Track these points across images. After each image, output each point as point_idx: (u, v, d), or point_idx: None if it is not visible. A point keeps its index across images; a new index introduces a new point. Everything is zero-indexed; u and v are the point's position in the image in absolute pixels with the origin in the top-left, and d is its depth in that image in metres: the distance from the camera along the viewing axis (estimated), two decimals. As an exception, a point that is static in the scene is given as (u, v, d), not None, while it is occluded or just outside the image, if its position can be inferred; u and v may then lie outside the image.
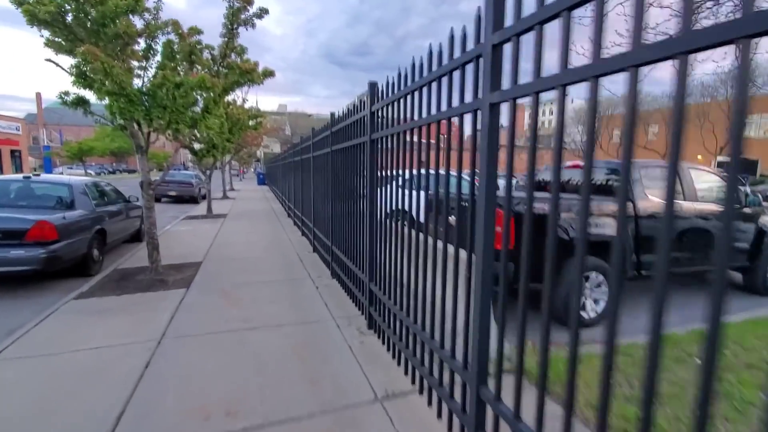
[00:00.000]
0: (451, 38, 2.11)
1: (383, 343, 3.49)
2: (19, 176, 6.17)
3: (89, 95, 5.05)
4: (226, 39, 5.74)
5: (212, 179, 13.52)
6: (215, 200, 17.94)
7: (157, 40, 5.31)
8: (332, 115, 5.39)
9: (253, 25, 5.76)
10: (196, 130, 6.70)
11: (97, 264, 6.34)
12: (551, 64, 1.44)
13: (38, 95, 50.41)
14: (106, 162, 63.19)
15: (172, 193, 17.91)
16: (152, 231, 5.55)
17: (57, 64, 4.80)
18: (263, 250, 7.60)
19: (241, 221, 11.65)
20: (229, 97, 11.42)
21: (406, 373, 2.95)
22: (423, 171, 2.60)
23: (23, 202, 5.85)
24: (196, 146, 11.03)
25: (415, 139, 2.67)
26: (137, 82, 5.11)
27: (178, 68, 5.44)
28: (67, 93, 5.05)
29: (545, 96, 1.56)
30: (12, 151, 34.02)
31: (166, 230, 9.99)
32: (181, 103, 5.17)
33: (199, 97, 5.63)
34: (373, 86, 3.56)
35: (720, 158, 30.15)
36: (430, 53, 2.36)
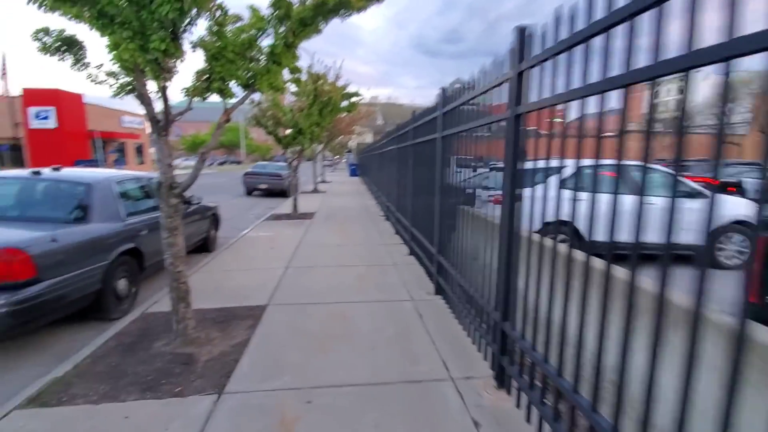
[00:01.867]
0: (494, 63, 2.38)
1: None
2: (25, 172, 4.27)
3: (79, 31, 2.83)
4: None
5: (302, 171, 11.41)
6: (305, 194, 16.13)
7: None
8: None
9: None
10: (259, 95, 4.25)
11: (125, 301, 4.23)
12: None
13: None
14: (218, 154, 67.60)
15: (263, 186, 16.50)
16: (177, 270, 3.16)
17: None
18: (356, 284, 4.97)
19: (329, 225, 9.30)
20: (319, 69, 9.08)
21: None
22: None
23: (16, 211, 3.87)
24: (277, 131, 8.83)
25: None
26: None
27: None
28: (46, 31, 2.82)
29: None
30: (136, 145, 36.69)
31: (243, 236, 7.95)
32: (230, 43, 2.79)
33: (259, 39, 3.15)
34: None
35: None
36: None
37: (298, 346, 3.22)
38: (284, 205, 12.78)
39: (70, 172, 4.45)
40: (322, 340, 3.32)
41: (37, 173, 4.21)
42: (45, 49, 2.88)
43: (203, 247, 6.79)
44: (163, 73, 2.74)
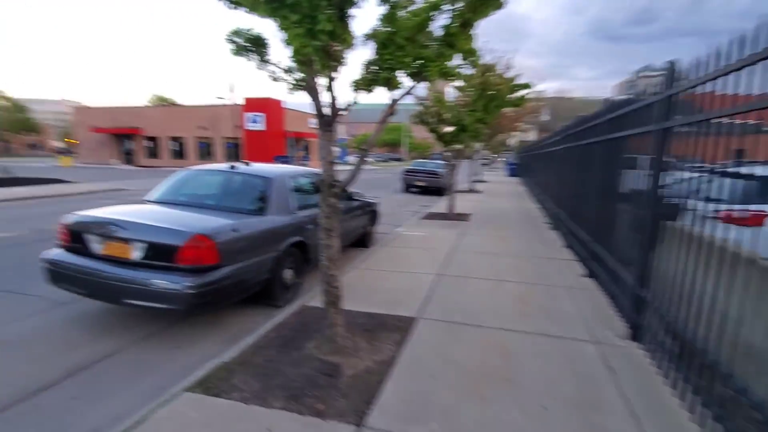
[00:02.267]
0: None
1: None
2: (223, 166, 4.81)
3: (267, 31, 2.86)
4: None
5: (458, 170, 10.90)
6: (461, 194, 15.56)
7: None
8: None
9: None
10: (424, 90, 3.86)
11: (290, 290, 4.40)
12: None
13: (346, 102, 62.21)
14: (381, 151, 72.69)
15: (420, 183, 16.58)
16: (331, 273, 2.98)
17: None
18: (519, 307, 4.19)
19: (485, 229, 8.54)
20: (488, 59, 8.34)
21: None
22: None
23: (211, 201, 4.35)
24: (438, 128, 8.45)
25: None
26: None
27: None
28: (237, 32, 2.94)
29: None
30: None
31: (396, 233, 7.87)
32: (401, 27, 2.42)
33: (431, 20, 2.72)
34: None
35: None
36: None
37: (448, 381, 2.70)
38: (440, 204, 12.48)
39: (255, 167, 4.87)
40: (477, 379, 2.72)
41: (233, 167, 4.70)
42: (237, 50, 2.98)
43: (361, 242, 6.89)
44: (331, 62, 2.52)
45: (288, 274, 4.36)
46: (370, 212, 7.08)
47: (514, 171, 29.24)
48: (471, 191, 16.95)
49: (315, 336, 3.26)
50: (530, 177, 17.43)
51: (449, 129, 8.87)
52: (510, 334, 3.43)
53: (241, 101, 33.58)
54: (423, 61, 2.77)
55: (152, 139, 36.10)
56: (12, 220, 8.45)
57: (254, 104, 33.17)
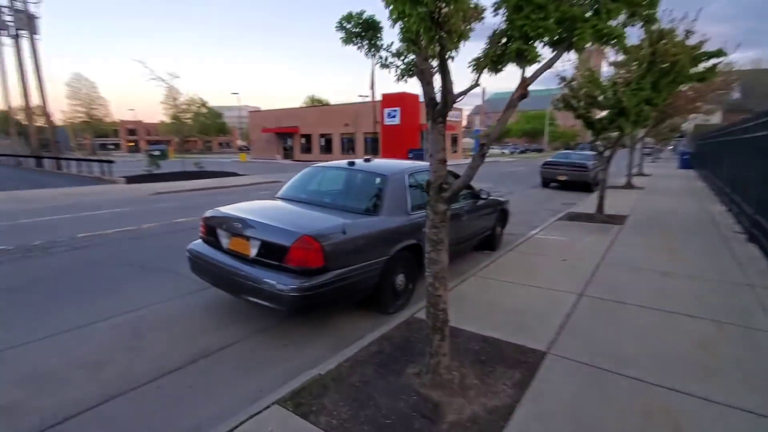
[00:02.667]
0: None
1: None
2: (342, 162, 4.68)
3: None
4: None
5: (612, 162, 9.08)
6: (614, 190, 13.16)
7: None
8: None
9: None
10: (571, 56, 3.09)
11: (401, 297, 4.06)
12: None
13: (482, 90, 60.18)
14: (519, 142, 67.81)
15: (562, 178, 14.58)
16: (436, 294, 2.48)
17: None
18: (702, 357, 3.03)
19: (647, 237, 6.84)
20: (663, 23, 6.55)
21: None
22: None
23: (327, 199, 4.23)
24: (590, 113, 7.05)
25: None
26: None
27: None
28: (349, 17, 2.64)
29: None
30: (452, 136, 41.15)
31: (531, 236, 6.86)
32: None
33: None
34: None
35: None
36: None
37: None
38: (586, 202, 10.68)
39: (374, 163, 4.63)
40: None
41: (352, 164, 4.54)
42: (347, 37, 2.68)
43: (486, 244, 6.17)
44: (440, 32, 1.99)
45: (400, 279, 4.01)
46: (499, 212, 6.28)
47: (688, 162, 23.82)
48: (629, 187, 14.23)
49: (417, 359, 2.81)
50: (712, 170, 13.74)
51: (602, 113, 7.34)
52: (685, 399, 2.42)
53: (380, 98, 34.94)
54: (570, 23, 2.02)
55: (307, 136, 40.44)
56: (197, 207, 10.15)
57: (391, 99, 34.17)
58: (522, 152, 60.00)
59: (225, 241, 3.67)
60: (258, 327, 3.64)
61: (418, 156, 33.54)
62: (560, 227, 7.63)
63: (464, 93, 2.30)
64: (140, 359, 3.10)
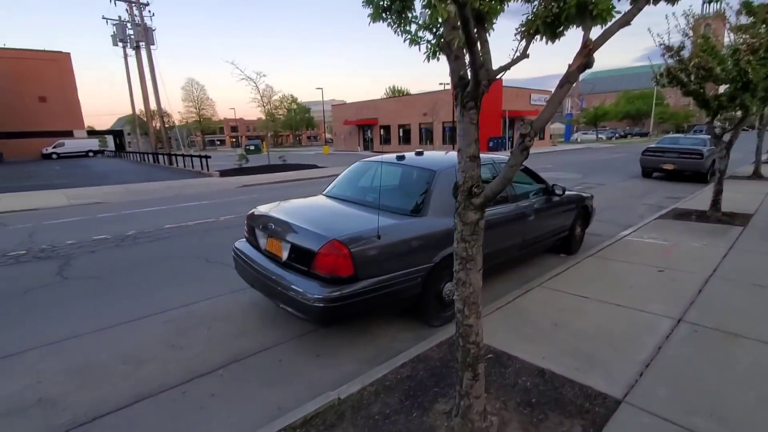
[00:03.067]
0: None
1: None
2: (391, 156, 4.26)
3: None
4: None
5: (736, 146, 7.36)
6: (736, 181, 10.87)
7: None
8: None
9: None
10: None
11: (451, 309, 3.59)
12: None
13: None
14: (620, 125, 60.44)
15: (668, 167, 12.42)
16: (466, 323, 2.00)
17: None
18: None
19: (785, 241, 5.37)
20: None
21: None
22: None
23: (370, 197, 3.88)
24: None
25: None
26: None
27: None
28: None
29: None
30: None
31: (620, 238, 5.81)
32: None
33: None
34: None
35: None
36: None
37: None
38: (697, 197, 8.92)
39: (425, 157, 4.17)
40: None
41: (401, 158, 4.14)
42: (376, 12, 2.28)
43: (563, 246, 5.34)
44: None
45: (448, 288, 3.54)
46: (579, 209, 5.39)
47: None
48: (756, 177, 11.67)
49: (451, 392, 2.36)
50: None
51: (721, 89, 5.89)
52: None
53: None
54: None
55: (386, 127, 40.61)
56: (274, 199, 10.58)
57: (472, 86, 32.62)
58: (622, 137, 53.56)
59: (263, 241, 3.55)
60: (296, 331, 3.46)
61: (498, 145, 31.66)
62: (660, 227, 6.37)
63: (506, 68, 1.76)
64: (177, 359, 3.10)
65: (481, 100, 1.81)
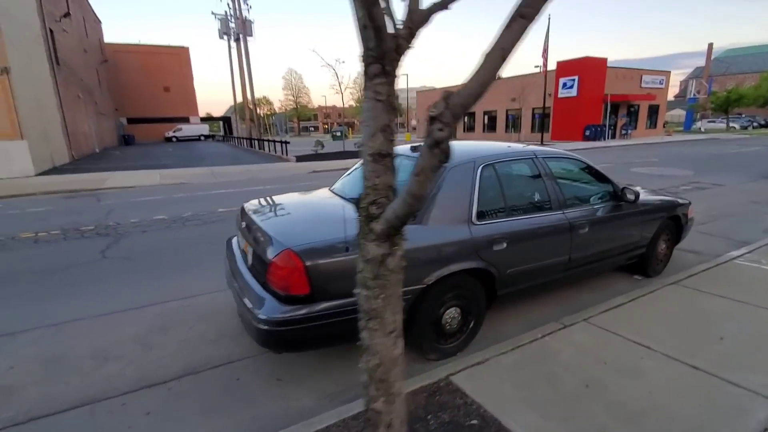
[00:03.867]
0: None
1: None
2: (405, 148, 3.51)
3: None
4: None
5: None
6: None
7: None
8: None
9: None
10: None
11: (454, 339, 2.87)
12: None
13: (709, 46, 46.36)
14: (760, 113, 49.50)
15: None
16: (375, 416, 1.31)
17: None
18: None
19: None
20: None
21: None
22: None
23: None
24: None
25: None
26: None
27: None
28: None
29: None
30: (650, 106, 32.73)
31: (729, 259, 4.34)
32: None
33: None
34: None
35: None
36: None
37: None
38: None
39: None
40: None
41: (415, 149, 3.42)
42: None
43: (638, 265, 4.14)
44: None
45: (450, 315, 2.80)
46: (667, 219, 4.11)
47: None
48: None
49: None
50: None
51: None
52: None
53: (553, 67, 30.19)
54: None
55: (470, 114, 38.55)
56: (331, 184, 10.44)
57: (568, 67, 29.21)
58: (761, 126, 43.99)
59: (242, 240, 3.16)
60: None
61: (596, 134, 27.95)
62: (793, 249, 4.66)
63: (428, 15, 1.02)
64: (139, 361, 2.88)
65: (396, 62, 1.09)
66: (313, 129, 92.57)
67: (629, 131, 30.68)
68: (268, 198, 3.57)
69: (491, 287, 2.94)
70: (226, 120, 59.38)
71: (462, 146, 3.34)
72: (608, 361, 2.55)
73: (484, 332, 3.10)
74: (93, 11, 33.61)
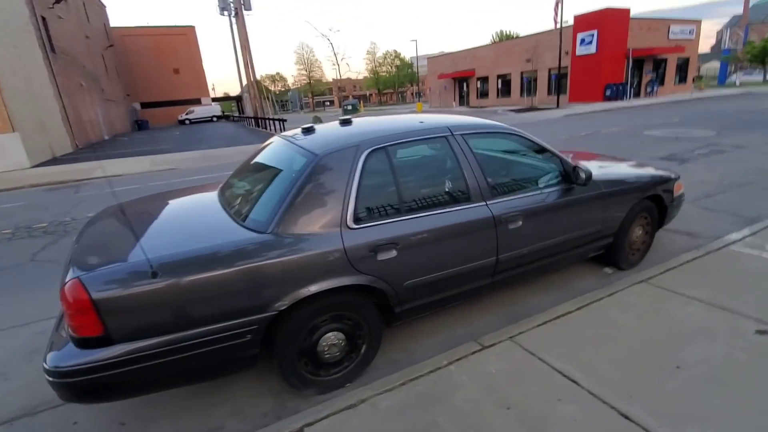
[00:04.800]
0: None
1: None
2: (297, 131, 2.85)
3: None
4: None
5: None
6: None
7: None
8: None
9: None
10: None
11: (338, 368, 2.33)
12: None
13: None
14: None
15: None
16: None
17: None
18: None
19: None
20: None
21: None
22: None
23: (238, 197, 2.60)
24: None
25: None
26: None
27: None
28: None
29: None
30: (680, 61, 29.89)
31: (718, 248, 3.55)
32: None
33: None
34: None
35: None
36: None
37: None
38: None
39: (321, 128, 2.76)
40: None
41: (308, 130, 2.75)
42: None
43: (606, 256, 3.43)
44: None
45: (329, 342, 2.24)
46: (648, 199, 3.35)
47: None
48: None
49: None
50: None
51: None
52: None
53: (570, 22, 27.78)
54: None
55: (483, 79, 36.55)
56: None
57: (585, 21, 26.81)
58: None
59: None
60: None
61: (618, 93, 25.81)
62: (810, 229, 3.79)
63: None
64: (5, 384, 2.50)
65: None
66: (328, 103, 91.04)
67: (655, 88, 28.27)
68: (132, 203, 3.03)
69: (388, 305, 2.34)
70: (238, 99, 59.06)
71: (354, 126, 2.68)
72: (513, 405, 1.95)
73: (389, 353, 2.54)
74: (95, -5, 33.19)
